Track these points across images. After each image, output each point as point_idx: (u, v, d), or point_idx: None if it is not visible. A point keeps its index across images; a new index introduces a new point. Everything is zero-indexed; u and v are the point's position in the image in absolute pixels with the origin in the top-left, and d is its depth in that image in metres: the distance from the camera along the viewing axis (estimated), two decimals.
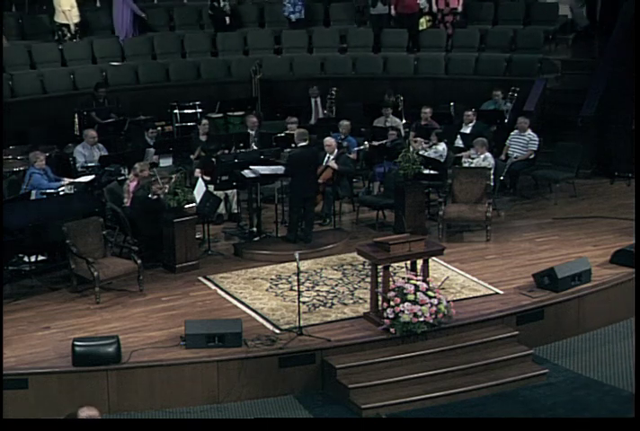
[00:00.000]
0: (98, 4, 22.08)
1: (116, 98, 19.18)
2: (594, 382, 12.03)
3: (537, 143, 16.93)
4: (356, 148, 16.90)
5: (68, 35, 20.53)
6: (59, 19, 20.53)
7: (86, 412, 8.67)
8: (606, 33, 19.38)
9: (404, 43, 20.91)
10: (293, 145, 15.63)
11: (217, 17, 21.36)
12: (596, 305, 13.21)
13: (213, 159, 15.91)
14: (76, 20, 20.59)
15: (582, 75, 19.04)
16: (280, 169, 14.86)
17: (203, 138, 17.08)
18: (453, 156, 16.55)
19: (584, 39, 20.92)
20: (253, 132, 17.40)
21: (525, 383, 11.96)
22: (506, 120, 17.89)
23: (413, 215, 15.02)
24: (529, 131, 16.96)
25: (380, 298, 12.37)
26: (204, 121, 17.42)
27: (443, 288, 12.91)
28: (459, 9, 20.95)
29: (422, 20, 21.10)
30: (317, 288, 13.48)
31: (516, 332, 12.51)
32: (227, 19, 21.30)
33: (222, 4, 21.18)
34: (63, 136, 17.97)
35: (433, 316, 12.12)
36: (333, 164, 15.68)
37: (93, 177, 15.38)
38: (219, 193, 15.34)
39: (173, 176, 14.41)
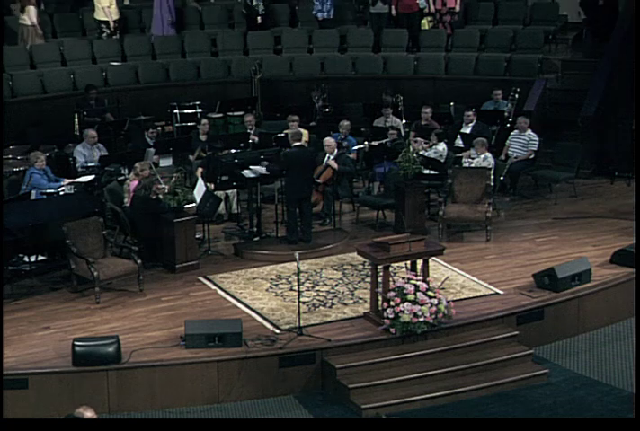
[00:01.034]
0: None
1: (116, 98, 19.19)
2: (594, 382, 12.03)
3: (537, 143, 16.93)
4: (356, 148, 16.91)
5: (107, 32, 20.74)
6: (99, 16, 20.75)
7: (82, 413, 8.66)
8: (606, 33, 19.38)
9: (404, 43, 20.90)
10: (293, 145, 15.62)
11: (249, 16, 21.41)
12: (596, 305, 13.21)
13: (216, 157, 15.87)
14: (116, 17, 20.80)
15: (582, 75, 19.05)
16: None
17: (203, 138, 17.09)
18: (453, 156, 16.55)
19: (584, 40, 20.91)
20: (251, 131, 17.43)
21: (525, 383, 11.96)
22: (508, 124, 17.85)
23: (413, 215, 15.02)
24: (529, 131, 16.96)
25: (380, 298, 12.37)
26: (204, 121, 17.42)
27: (443, 288, 12.91)
28: (457, 9, 20.94)
29: (424, 21, 21.11)
30: (317, 288, 13.48)
31: (516, 332, 12.52)
32: (259, 18, 21.30)
33: (254, 2, 21.19)
34: (63, 136, 17.96)
35: (433, 316, 12.12)
36: (332, 163, 15.67)
37: (93, 177, 15.39)
38: (219, 193, 15.35)
39: (174, 176, 14.42)
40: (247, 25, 21.49)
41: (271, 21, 21.74)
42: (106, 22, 20.71)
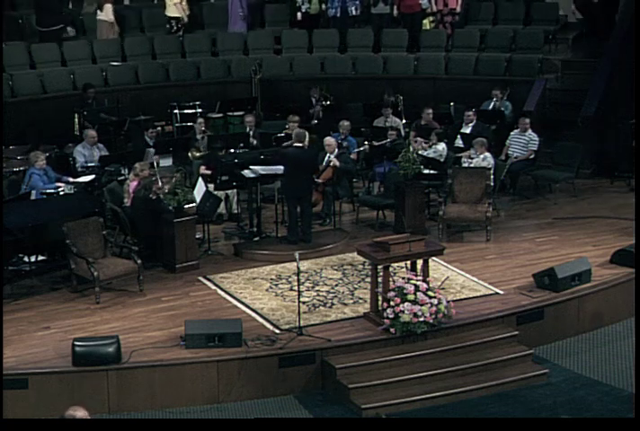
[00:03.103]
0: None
1: (116, 98, 19.18)
2: (594, 382, 12.03)
3: (537, 143, 16.93)
4: (356, 149, 16.91)
5: (176, 27, 20.90)
6: (170, 12, 20.92)
7: (73, 414, 8.61)
8: (606, 33, 19.38)
9: (404, 43, 20.90)
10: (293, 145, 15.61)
11: (291, 13, 21.55)
12: (596, 305, 13.22)
13: (216, 157, 15.87)
14: (187, 12, 20.96)
15: (582, 75, 19.05)
16: (279, 169, 14.87)
17: (199, 137, 17.10)
18: (453, 156, 16.56)
19: (584, 40, 20.93)
20: (251, 132, 17.43)
21: (525, 383, 11.96)
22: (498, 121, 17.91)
23: (413, 215, 15.02)
24: (530, 131, 16.97)
25: (380, 298, 12.37)
26: (199, 120, 17.45)
27: (443, 288, 12.90)
28: (458, 9, 20.95)
29: (426, 21, 21.11)
30: (317, 288, 13.48)
31: (516, 332, 12.52)
32: (299, 15, 21.30)
33: (298, 3, 21.22)
34: (63, 136, 17.96)
35: (433, 316, 12.12)
36: (335, 161, 15.65)
37: (93, 177, 15.40)
38: (219, 193, 15.35)
39: (174, 176, 14.42)
40: (300, 26, 21.57)
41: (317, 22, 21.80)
42: (177, 19, 20.88)
